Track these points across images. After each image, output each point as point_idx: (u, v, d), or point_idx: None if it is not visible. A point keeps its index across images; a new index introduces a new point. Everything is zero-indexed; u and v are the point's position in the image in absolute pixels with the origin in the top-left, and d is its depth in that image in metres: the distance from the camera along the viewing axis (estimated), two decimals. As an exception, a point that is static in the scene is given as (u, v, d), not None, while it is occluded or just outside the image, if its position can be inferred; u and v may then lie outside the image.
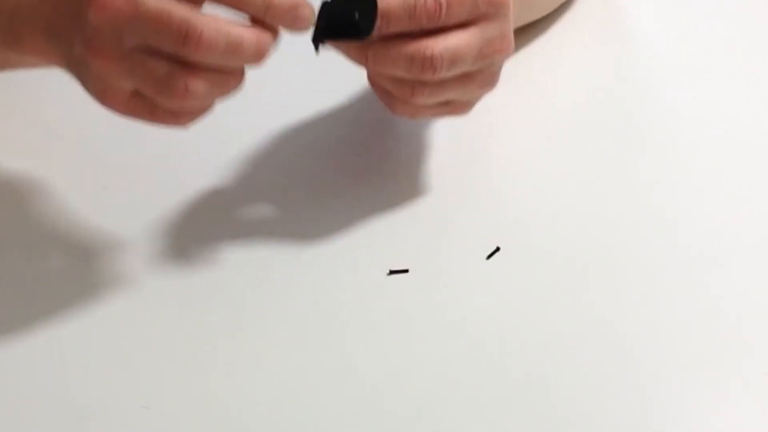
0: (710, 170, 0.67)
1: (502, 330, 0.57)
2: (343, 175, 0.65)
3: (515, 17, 0.64)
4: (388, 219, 0.61)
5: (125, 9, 0.50)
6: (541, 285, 0.59)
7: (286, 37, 0.53)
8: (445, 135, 0.70)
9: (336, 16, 0.54)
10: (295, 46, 0.55)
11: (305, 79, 0.71)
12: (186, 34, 0.50)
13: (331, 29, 0.54)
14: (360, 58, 0.56)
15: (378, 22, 0.54)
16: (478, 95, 0.60)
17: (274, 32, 0.53)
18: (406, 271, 0.59)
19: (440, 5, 0.54)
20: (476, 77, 0.58)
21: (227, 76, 0.53)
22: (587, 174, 0.67)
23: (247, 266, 0.59)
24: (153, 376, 0.54)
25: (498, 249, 0.61)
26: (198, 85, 0.52)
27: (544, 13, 0.75)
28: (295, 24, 0.53)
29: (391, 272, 0.59)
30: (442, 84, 0.57)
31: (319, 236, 0.61)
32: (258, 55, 0.53)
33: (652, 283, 0.59)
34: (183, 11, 0.50)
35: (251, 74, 0.54)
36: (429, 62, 0.55)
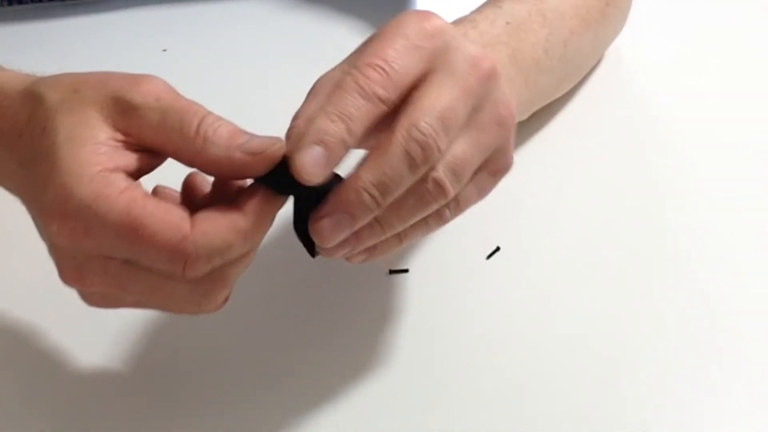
0: (710, 170, 0.68)
1: (502, 330, 0.57)
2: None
3: (528, 107, 0.63)
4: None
5: (83, 229, 0.43)
6: (541, 285, 0.59)
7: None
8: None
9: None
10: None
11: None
12: (176, 258, 0.43)
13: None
14: (394, 246, 0.49)
15: (379, 201, 0.45)
16: (496, 181, 0.52)
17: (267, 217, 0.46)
18: (406, 270, 0.59)
19: (376, 67, 0.45)
20: (487, 165, 0.51)
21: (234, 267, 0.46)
22: (587, 174, 0.67)
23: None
24: (156, 369, 0.54)
25: (498, 249, 0.61)
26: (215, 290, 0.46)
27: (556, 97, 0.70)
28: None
29: (391, 272, 0.59)
30: (461, 199, 0.50)
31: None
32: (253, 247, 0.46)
33: (652, 283, 0.59)
34: (169, 220, 0.43)
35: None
36: (438, 188, 0.47)
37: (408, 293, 0.58)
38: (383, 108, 0.45)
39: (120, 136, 0.45)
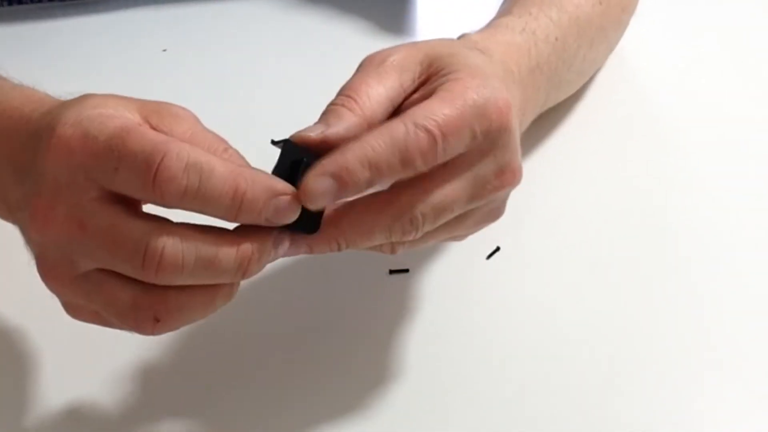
0: (713, 170, 0.68)
1: (503, 330, 0.57)
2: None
3: (544, 101, 0.62)
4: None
5: (70, 229, 0.42)
6: (541, 285, 0.59)
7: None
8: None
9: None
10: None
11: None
12: (144, 256, 0.41)
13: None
14: (329, 247, 0.46)
15: (368, 175, 0.44)
16: (476, 230, 0.52)
17: (262, 237, 0.44)
18: (406, 270, 0.59)
19: (435, 139, 0.44)
20: (471, 215, 0.50)
21: (211, 292, 0.44)
22: (588, 174, 0.67)
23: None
24: (157, 370, 0.54)
25: (498, 249, 0.61)
26: (170, 315, 0.43)
27: (573, 91, 0.70)
28: (277, 219, 0.43)
29: (392, 272, 0.59)
30: (426, 235, 0.48)
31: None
32: (240, 269, 0.43)
33: (654, 284, 0.59)
34: (139, 226, 0.42)
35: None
36: (409, 224, 0.46)
37: (408, 293, 0.58)
38: (412, 174, 0.45)
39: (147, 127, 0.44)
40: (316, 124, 0.46)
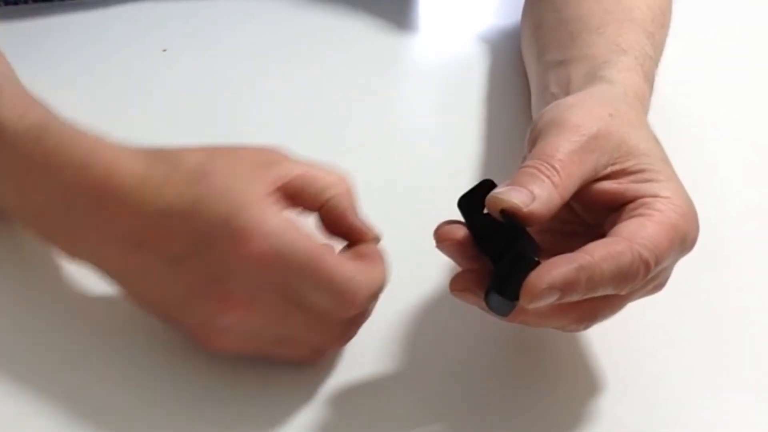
0: (718, 170, 0.67)
1: (503, 330, 0.56)
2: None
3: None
4: (390, 219, 0.61)
5: (270, 317, 0.48)
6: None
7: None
8: (446, 135, 0.70)
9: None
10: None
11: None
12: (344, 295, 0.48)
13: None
14: (510, 321, 0.48)
15: (584, 292, 0.45)
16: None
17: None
18: None
19: (649, 270, 0.46)
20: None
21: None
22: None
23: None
24: (157, 371, 0.54)
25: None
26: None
27: None
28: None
29: None
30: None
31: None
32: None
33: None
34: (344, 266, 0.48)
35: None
36: (587, 324, 0.49)
37: (408, 293, 0.58)
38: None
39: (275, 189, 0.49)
40: (519, 188, 0.46)
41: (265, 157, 0.50)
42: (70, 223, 0.50)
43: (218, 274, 0.47)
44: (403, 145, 0.68)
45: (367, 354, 0.54)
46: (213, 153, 0.50)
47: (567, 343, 0.56)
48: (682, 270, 0.59)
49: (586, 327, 0.50)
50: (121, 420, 0.51)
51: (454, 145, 0.68)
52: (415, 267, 0.57)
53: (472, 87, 0.73)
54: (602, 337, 0.56)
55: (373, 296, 0.50)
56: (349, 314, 0.49)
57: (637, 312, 0.54)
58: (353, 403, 0.52)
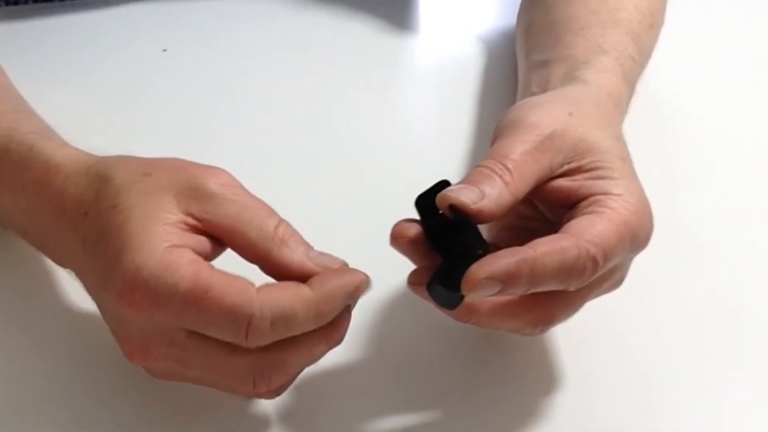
0: (719, 170, 0.67)
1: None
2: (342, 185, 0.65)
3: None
4: (390, 219, 0.61)
5: (169, 361, 0.46)
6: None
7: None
8: (446, 135, 0.70)
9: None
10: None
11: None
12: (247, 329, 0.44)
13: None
14: (459, 321, 0.49)
15: (527, 287, 0.45)
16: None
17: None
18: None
19: (597, 267, 0.46)
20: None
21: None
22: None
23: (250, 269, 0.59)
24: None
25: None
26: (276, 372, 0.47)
27: None
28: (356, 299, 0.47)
29: None
30: None
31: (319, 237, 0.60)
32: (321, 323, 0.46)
33: (653, 283, 0.59)
34: (234, 292, 0.44)
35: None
36: (543, 328, 0.49)
37: (408, 293, 0.58)
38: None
39: (191, 221, 0.46)
40: (470, 186, 0.47)
41: (192, 184, 0.47)
42: (41, 235, 0.52)
43: (119, 319, 0.46)
44: (402, 145, 0.68)
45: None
46: (134, 176, 0.47)
47: (562, 342, 0.56)
48: (682, 270, 0.60)
49: (543, 331, 0.50)
50: (121, 420, 0.51)
51: (453, 145, 0.68)
52: (413, 266, 0.57)
53: (472, 87, 0.73)
54: (599, 336, 0.56)
55: (282, 317, 0.44)
56: (256, 337, 0.44)
57: (643, 311, 0.54)
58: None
